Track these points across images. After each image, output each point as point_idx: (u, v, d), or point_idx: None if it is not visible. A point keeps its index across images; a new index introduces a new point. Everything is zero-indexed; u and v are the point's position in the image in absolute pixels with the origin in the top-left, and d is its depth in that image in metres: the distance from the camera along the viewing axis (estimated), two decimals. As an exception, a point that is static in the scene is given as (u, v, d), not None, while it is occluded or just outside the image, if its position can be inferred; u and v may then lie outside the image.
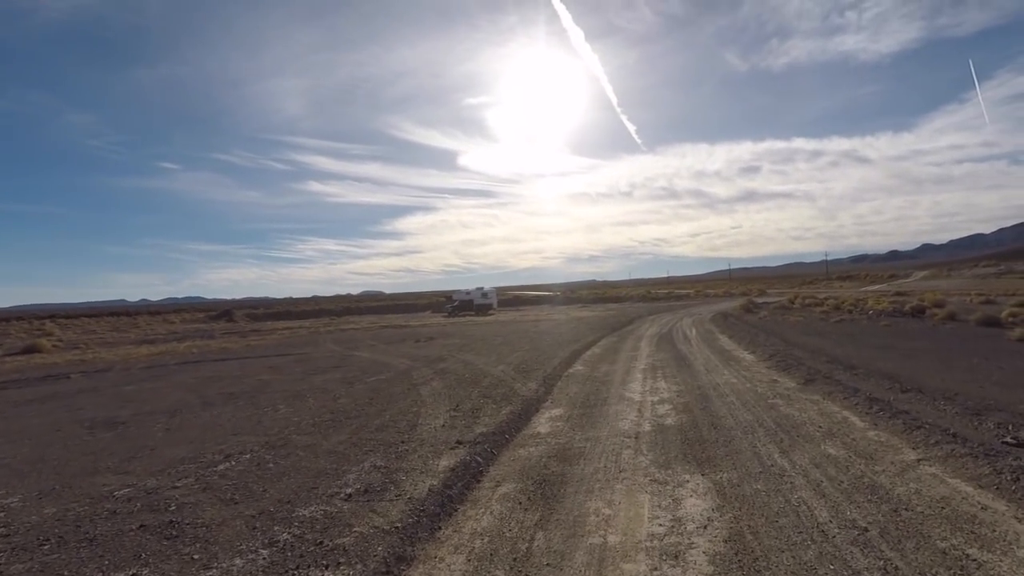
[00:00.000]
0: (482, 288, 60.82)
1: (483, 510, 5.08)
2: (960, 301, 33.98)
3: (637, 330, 25.24)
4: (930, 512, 4.38)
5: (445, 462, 6.39)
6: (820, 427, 6.94)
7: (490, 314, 54.23)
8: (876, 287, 73.43)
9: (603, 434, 7.47)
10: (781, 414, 7.72)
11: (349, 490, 5.45)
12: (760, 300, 50.61)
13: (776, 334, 19.41)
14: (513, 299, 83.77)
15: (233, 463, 6.49)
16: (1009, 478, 4.74)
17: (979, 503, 4.47)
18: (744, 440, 6.69)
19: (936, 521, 4.22)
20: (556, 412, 8.95)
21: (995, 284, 59.47)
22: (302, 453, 6.85)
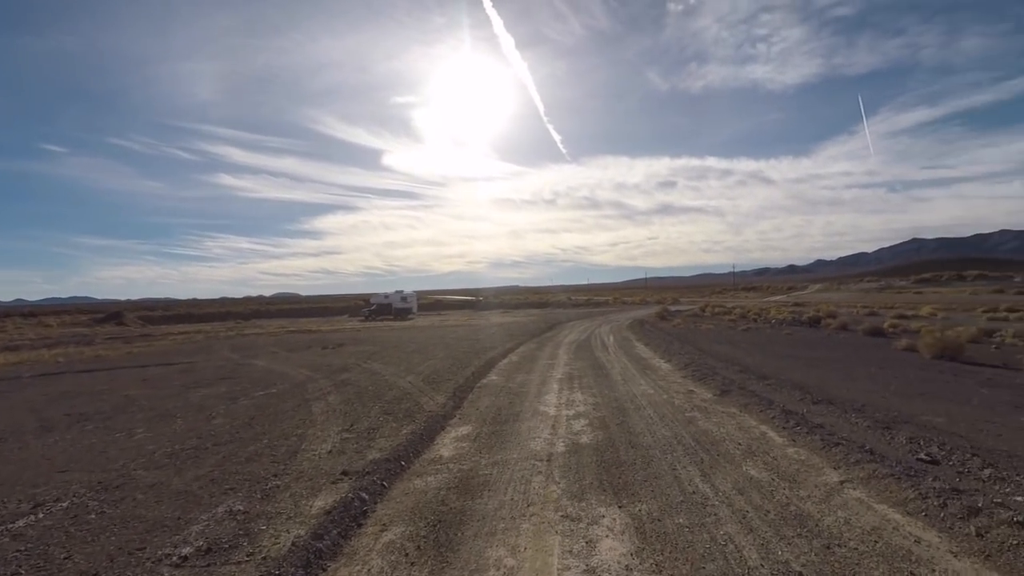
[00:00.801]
0: (402, 291, 59.02)
1: (359, 568, 4.13)
2: (849, 312, 36.58)
3: (556, 337, 24.94)
4: (864, 548, 3.95)
5: (322, 502, 5.36)
6: (740, 444, 6.56)
7: (410, 319, 52.72)
8: (777, 298, 78.52)
9: (512, 457, 6.71)
10: (700, 429, 7.31)
11: (186, 550, 4.29)
12: (674, 308, 52.44)
13: (690, 342, 19.66)
14: (435, 303, 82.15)
15: (41, 515, 5.09)
16: (936, 504, 4.44)
17: (912, 535, 4.11)
18: (663, 461, 6.16)
19: (872, 560, 3.78)
20: (463, 430, 8.10)
21: (877, 298, 65.27)
22: (141, 496, 5.55)
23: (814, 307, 41.71)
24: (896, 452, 5.72)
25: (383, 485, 5.93)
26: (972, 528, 4.00)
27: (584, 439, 7.25)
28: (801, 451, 6.04)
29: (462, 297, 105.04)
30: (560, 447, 6.98)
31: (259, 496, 5.58)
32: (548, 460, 6.50)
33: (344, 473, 6.24)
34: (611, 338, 23.21)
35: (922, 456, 5.46)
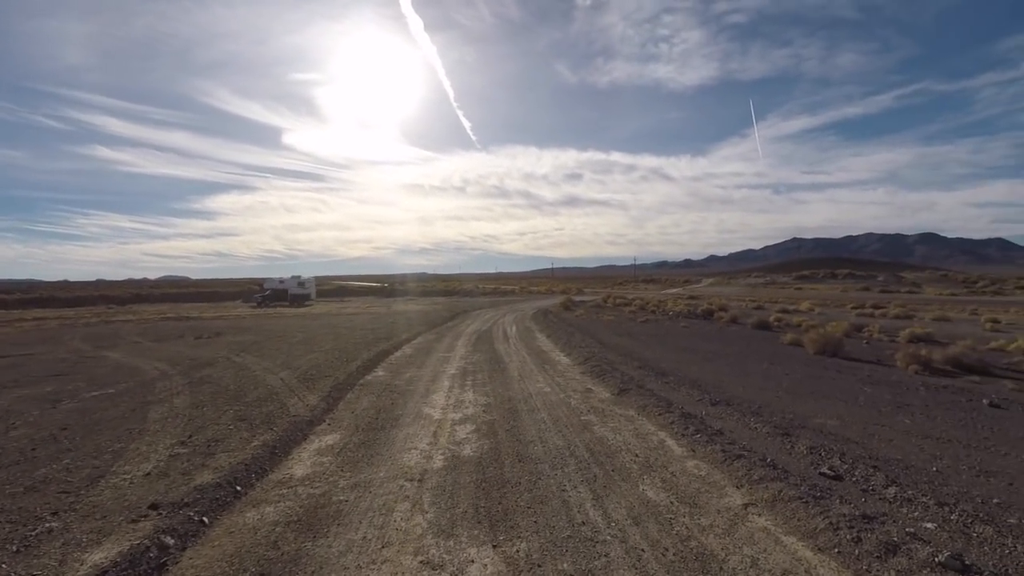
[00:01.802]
0: (299, 277, 55.30)
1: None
2: (739, 306, 38.68)
3: (458, 326, 23.94)
4: (777, 605, 3.26)
5: (102, 554, 3.98)
6: (637, 456, 5.87)
7: (307, 305, 49.52)
8: (674, 290, 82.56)
9: (379, 476, 5.60)
10: (595, 437, 6.57)
11: None
12: (578, 298, 53.22)
13: (591, 334, 19.41)
14: (338, 290, 78.20)
15: None
16: (849, 537, 3.90)
17: (827, 582, 3.50)
18: (552, 479, 5.32)
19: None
20: (329, 440, 6.85)
21: (762, 292, 70.35)
22: None
23: (708, 300, 43.79)
24: (798, 465, 5.27)
25: (202, 522, 4.61)
26: (892, 573, 3.45)
27: (467, 450, 6.26)
28: (701, 465, 5.45)
29: (368, 284, 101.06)
30: (438, 461, 5.96)
31: (15, 549, 4.08)
32: (420, 480, 5.45)
33: (153, 507, 4.83)
34: (514, 329, 22.57)
35: (825, 471, 5.02)
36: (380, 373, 11.59)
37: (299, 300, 51.65)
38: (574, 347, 15.47)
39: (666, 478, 5.24)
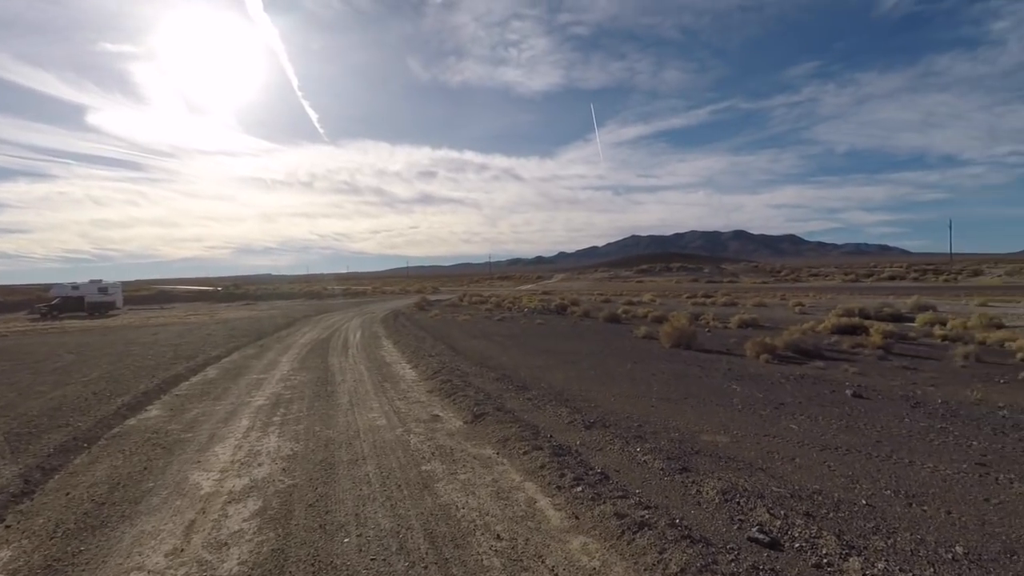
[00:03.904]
0: (100, 281, 46.04)
1: None
2: (589, 300, 39.57)
3: (292, 336, 20.62)
4: None
5: None
6: (499, 538, 4.01)
7: (112, 315, 41.32)
8: (528, 286, 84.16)
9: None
10: (439, 505, 4.62)
11: None
12: (433, 298, 51.28)
13: (445, 338, 17.57)
14: (158, 296, 67.28)
15: None
16: None
17: None
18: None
19: None
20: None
21: (608, 286, 74.40)
22: None
23: (560, 295, 44.46)
24: (718, 526, 3.86)
25: None
26: None
27: (229, 564, 3.90)
28: (592, 545, 3.76)
29: (199, 288, 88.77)
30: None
31: None
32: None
33: None
34: (357, 335, 19.94)
35: (754, 534, 3.65)
36: (153, 413, 8.50)
37: (100, 309, 42.88)
38: (423, 356, 13.46)
39: (546, 578, 3.48)
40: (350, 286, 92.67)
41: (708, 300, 36.31)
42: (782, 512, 3.95)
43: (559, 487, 4.69)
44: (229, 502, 4.89)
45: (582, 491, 4.50)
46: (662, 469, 4.98)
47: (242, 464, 5.93)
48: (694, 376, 10.06)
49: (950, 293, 36.84)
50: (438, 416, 7.78)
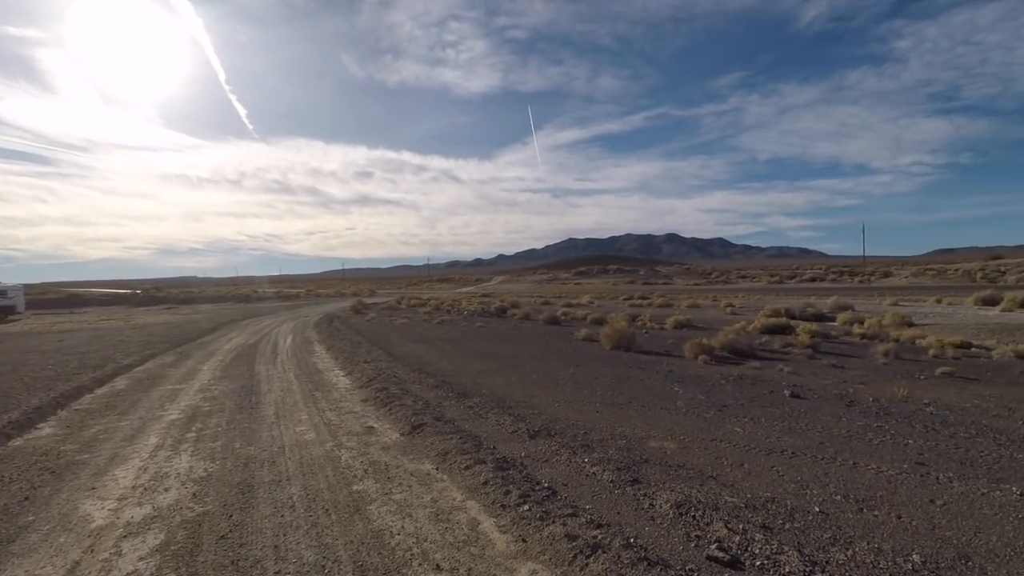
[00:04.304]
0: (-4, 284, 41.70)
1: None
2: (529, 302, 39.60)
3: (216, 341, 19.21)
4: None
5: None
6: (441, 569, 3.52)
7: (10, 320, 37.44)
8: (467, 289, 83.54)
9: None
10: (372, 531, 4.14)
11: None
12: (370, 301, 49.88)
13: (381, 342, 16.86)
14: (69, 299, 61.75)
15: None
16: None
17: None
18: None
19: None
20: None
21: (547, 288, 74.99)
22: None
23: (500, 298, 44.27)
24: (674, 544, 3.61)
25: None
26: None
27: None
28: (542, 573, 3.35)
29: (117, 291, 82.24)
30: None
31: None
32: None
33: None
34: (288, 340, 18.85)
35: (713, 552, 3.41)
36: (46, 431, 7.46)
37: None
38: (358, 362, 12.77)
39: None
40: (282, 289, 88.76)
41: (644, 302, 37.12)
42: (740, 526, 3.75)
43: (504, 506, 4.32)
44: (125, 536, 4.20)
45: (529, 510, 4.15)
46: (612, 481, 4.71)
47: (145, 490, 5.19)
48: (636, 379, 9.98)
49: (865, 293, 39.47)
50: (372, 428, 7.24)
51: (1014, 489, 4.26)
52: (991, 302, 24.59)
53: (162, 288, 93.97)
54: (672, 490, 4.42)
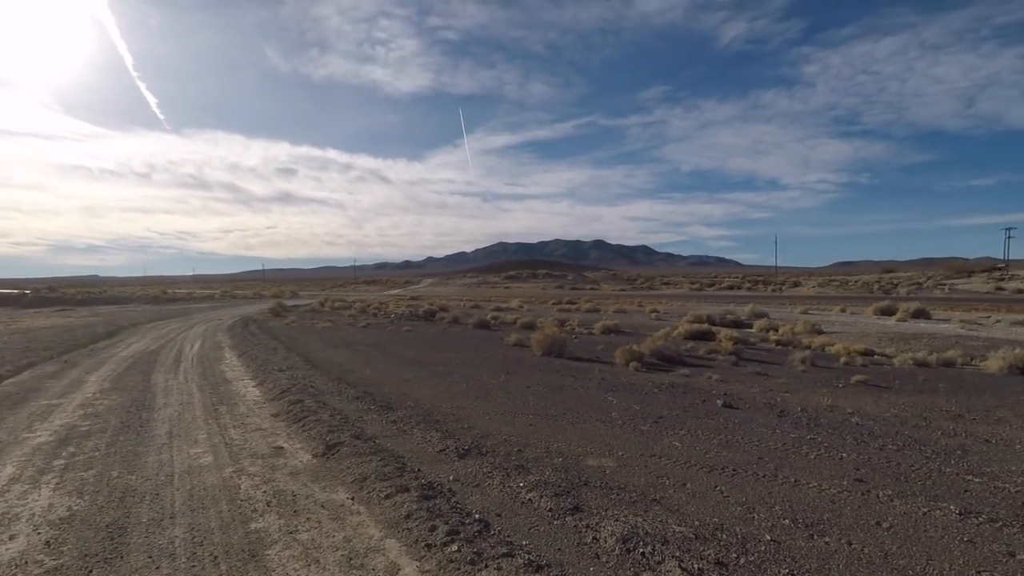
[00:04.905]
0: None
1: None
2: (458, 305, 38.96)
3: (111, 348, 17.21)
4: None
5: None
6: None
7: None
8: (395, 291, 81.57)
9: None
10: None
11: None
12: (291, 303, 47.40)
13: (300, 348, 15.72)
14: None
15: None
16: None
17: None
18: None
19: None
20: None
21: (477, 292, 74.55)
22: None
23: (428, 301, 43.32)
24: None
25: None
26: None
27: None
28: None
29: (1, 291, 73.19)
30: None
31: None
32: None
33: None
34: (196, 346, 17.22)
35: (667, 597, 3.04)
36: None
37: None
38: (272, 371, 11.71)
39: None
40: (194, 290, 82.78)
41: (573, 306, 37.43)
42: (694, 564, 3.40)
43: (429, 545, 3.75)
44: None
45: (458, 550, 3.62)
46: (551, 510, 4.26)
47: (-26, 540, 4.19)
48: (569, 388, 9.67)
49: (777, 302, 41.84)
50: (281, 448, 6.43)
51: (952, 508, 4.21)
52: (888, 312, 26.61)
53: (56, 288, 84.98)
54: (617, 519, 4.03)
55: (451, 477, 5.13)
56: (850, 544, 3.67)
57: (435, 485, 4.88)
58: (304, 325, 24.04)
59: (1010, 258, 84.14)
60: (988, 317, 23.93)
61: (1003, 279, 60.07)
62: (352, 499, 4.75)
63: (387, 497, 4.63)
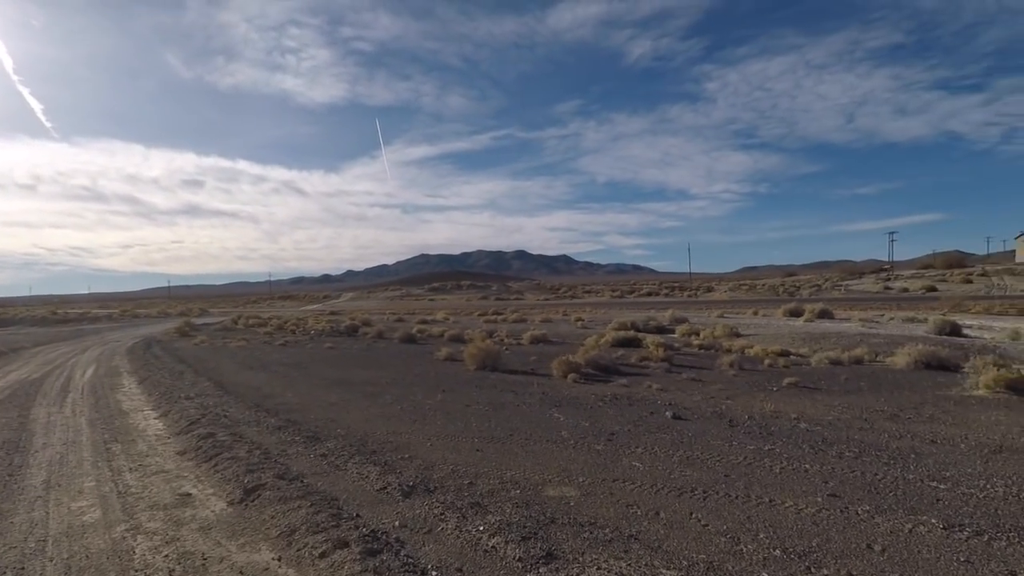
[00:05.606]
0: None
1: None
2: (381, 319, 37.49)
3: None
4: None
5: None
6: None
7: None
8: (314, 307, 77.81)
9: None
10: None
11: None
12: (200, 321, 43.79)
13: (210, 371, 14.17)
14: None
15: None
16: None
17: None
18: None
19: None
20: None
21: (400, 304, 72.69)
22: None
23: (350, 315, 41.44)
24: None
25: None
26: None
27: None
28: None
29: None
30: None
31: None
32: None
33: None
34: (89, 372, 15.14)
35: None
36: None
37: None
38: (178, 399, 10.31)
39: None
40: (90, 309, 74.64)
41: (499, 317, 37.04)
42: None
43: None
44: None
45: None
46: (520, 559, 3.68)
47: None
48: (511, 405, 9.15)
49: (695, 307, 43.64)
50: (189, 495, 5.42)
51: (935, 522, 4.07)
52: (796, 313, 28.28)
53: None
54: (599, 567, 3.52)
55: (397, 523, 4.42)
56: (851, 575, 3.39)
57: (379, 534, 4.16)
58: (215, 345, 22.01)
59: (894, 259, 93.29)
60: (883, 315, 26.03)
61: (889, 279, 66.47)
62: (278, 560, 3.93)
63: (322, 556, 3.86)
